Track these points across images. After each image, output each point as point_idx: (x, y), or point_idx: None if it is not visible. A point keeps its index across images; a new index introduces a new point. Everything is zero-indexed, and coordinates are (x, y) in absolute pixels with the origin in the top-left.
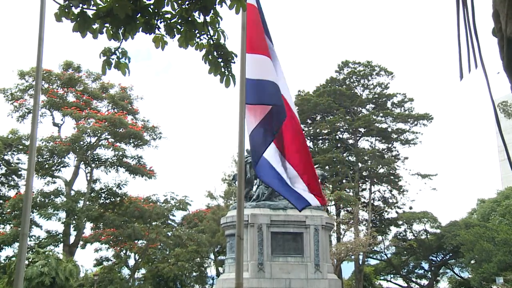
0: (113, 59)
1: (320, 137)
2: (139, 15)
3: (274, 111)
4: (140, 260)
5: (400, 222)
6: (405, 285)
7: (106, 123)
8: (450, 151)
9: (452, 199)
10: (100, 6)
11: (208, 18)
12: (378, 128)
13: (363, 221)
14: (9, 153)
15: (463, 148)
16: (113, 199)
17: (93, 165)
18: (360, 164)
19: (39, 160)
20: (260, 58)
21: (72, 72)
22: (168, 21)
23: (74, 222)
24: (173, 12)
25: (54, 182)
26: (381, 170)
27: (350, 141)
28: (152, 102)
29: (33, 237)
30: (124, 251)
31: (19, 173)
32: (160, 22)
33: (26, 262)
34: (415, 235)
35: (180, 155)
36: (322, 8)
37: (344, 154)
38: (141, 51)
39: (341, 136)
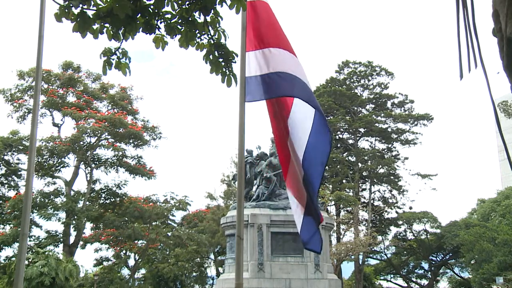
0: (113, 59)
1: None
2: (139, 15)
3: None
4: (140, 260)
5: (400, 222)
6: (405, 285)
7: (106, 123)
8: (450, 151)
9: (452, 199)
10: (100, 6)
11: (208, 18)
12: (378, 128)
13: (363, 221)
14: (9, 153)
15: (463, 148)
16: (113, 199)
17: (93, 165)
18: (360, 164)
19: (39, 160)
20: (278, 52)
21: (72, 72)
22: (169, 21)
23: (74, 222)
24: (173, 12)
25: (54, 183)
26: (381, 170)
27: (350, 141)
28: (152, 102)
29: (33, 237)
30: (124, 251)
31: (19, 173)
32: (160, 22)
33: (26, 262)
34: (415, 235)
35: (180, 155)
36: (322, 8)
37: (344, 154)
38: (142, 52)
39: (341, 136)
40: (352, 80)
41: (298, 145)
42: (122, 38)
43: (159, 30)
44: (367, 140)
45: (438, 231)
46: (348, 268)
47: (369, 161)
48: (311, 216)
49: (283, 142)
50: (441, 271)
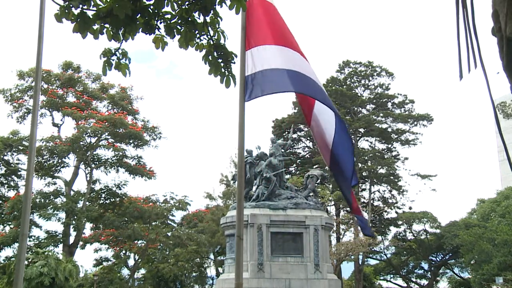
0: (113, 60)
1: None
2: (139, 15)
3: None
4: (139, 260)
5: (400, 222)
6: (405, 285)
7: (106, 123)
8: (450, 151)
9: (452, 199)
10: (100, 7)
11: (208, 19)
12: (378, 128)
13: None
14: (9, 153)
15: (463, 148)
16: (113, 200)
17: (93, 166)
18: (360, 165)
19: (39, 160)
20: (287, 50)
21: (72, 72)
22: (168, 22)
23: (74, 222)
24: (173, 13)
25: (54, 183)
26: (381, 171)
27: None
28: (152, 103)
29: (33, 237)
30: (123, 251)
31: (19, 173)
32: (160, 23)
33: (26, 262)
34: (415, 235)
35: (180, 155)
36: (322, 8)
37: None
38: (142, 52)
39: None
40: (352, 80)
41: (326, 140)
42: (122, 38)
43: (159, 31)
44: (367, 140)
45: (438, 231)
46: (348, 268)
47: (369, 161)
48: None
49: (316, 134)
50: (441, 271)
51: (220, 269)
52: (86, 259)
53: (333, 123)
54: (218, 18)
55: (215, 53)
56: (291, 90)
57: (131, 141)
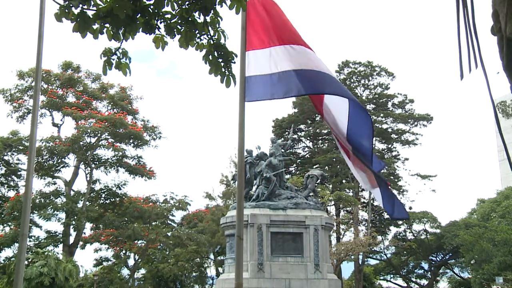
0: (113, 59)
1: (320, 137)
2: (139, 15)
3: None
4: (139, 260)
5: (400, 222)
6: (405, 285)
7: (106, 123)
8: (450, 151)
9: (452, 199)
10: (100, 7)
11: (208, 18)
12: (378, 128)
13: (362, 221)
14: (9, 153)
15: (463, 148)
16: (113, 200)
17: (93, 166)
18: None
19: (39, 160)
20: (299, 49)
21: (72, 72)
22: (168, 21)
23: (74, 222)
24: (173, 13)
25: (54, 183)
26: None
27: None
28: (152, 103)
29: (33, 237)
30: (123, 251)
31: (19, 173)
32: (160, 22)
33: (26, 262)
34: (415, 235)
35: (180, 155)
36: (322, 8)
37: None
38: (142, 52)
39: None
40: (352, 80)
41: (340, 130)
42: (122, 38)
43: (159, 30)
44: None
45: (438, 231)
46: (348, 268)
47: None
48: (383, 187)
49: (332, 124)
50: (441, 271)
51: (220, 269)
52: (86, 259)
53: (345, 112)
54: (218, 18)
55: (215, 52)
56: (302, 94)
57: (131, 141)
